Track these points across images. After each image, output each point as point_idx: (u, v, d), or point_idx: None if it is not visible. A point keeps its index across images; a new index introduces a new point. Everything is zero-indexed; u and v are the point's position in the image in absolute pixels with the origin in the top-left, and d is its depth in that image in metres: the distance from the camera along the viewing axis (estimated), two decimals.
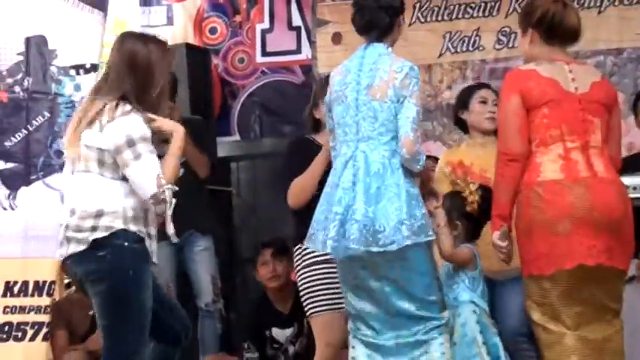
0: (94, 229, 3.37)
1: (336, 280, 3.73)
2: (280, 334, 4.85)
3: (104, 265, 3.37)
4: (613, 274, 3.31)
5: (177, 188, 3.41)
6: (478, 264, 3.59)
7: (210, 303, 5.04)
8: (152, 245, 3.47)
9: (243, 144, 6.38)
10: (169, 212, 3.40)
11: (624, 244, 3.32)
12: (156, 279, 3.62)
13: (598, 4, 5.57)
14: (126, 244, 3.37)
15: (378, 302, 3.42)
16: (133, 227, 3.39)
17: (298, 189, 3.90)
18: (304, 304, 3.94)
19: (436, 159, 4.96)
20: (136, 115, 3.40)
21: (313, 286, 3.89)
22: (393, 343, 3.41)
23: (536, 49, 3.45)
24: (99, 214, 3.38)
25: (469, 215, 3.61)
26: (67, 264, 3.51)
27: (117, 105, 3.40)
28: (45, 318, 4.57)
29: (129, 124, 3.38)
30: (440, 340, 3.39)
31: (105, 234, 3.36)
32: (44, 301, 4.58)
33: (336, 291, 3.78)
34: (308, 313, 3.95)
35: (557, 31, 3.43)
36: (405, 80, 3.37)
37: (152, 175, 3.36)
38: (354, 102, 3.41)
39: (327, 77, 3.67)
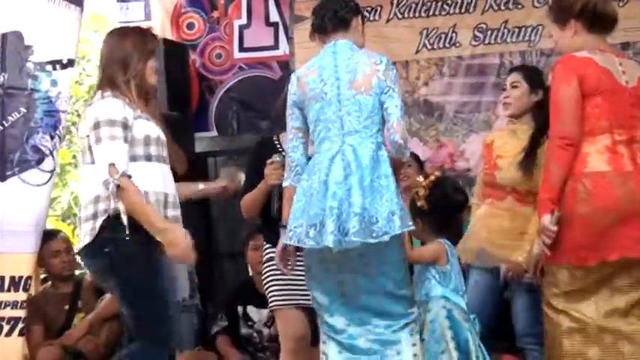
0: (94, 216, 3.43)
1: (294, 276, 3.79)
2: (255, 312, 4.88)
3: (111, 261, 3.42)
4: None
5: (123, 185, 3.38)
6: (450, 258, 3.60)
7: (187, 298, 5.04)
8: None
9: (220, 139, 6.37)
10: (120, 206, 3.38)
11: None
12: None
13: None
14: (129, 237, 3.39)
15: (346, 297, 3.44)
16: None
17: (247, 205, 4.08)
18: (267, 299, 3.99)
19: (415, 155, 4.99)
20: (112, 99, 3.46)
21: (272, 281, 3.95)
22: (362, 341, 3.42)
23: (580, 39, 3.45)
24: (96, 200, 3.43)
25: (421, 210, 3.64)
26: (81, 257, 3.59)
27: (97, 92, 3.50)
28: (21, 313, 4.56)
29: (101, 106, 3.45)
30: (412, 340, 3.41)
31: (104, 217, 3.39)
32: (20, 296, 4.56)
33: (294, 286, 3.84)
34: (270, 308, 4.00)
35: (600, 19, 3.44)
36: (387, 72, 3.43)
37: (105, 161, 3.37)
38: (336, 97, 3.44)
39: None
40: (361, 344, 3.43)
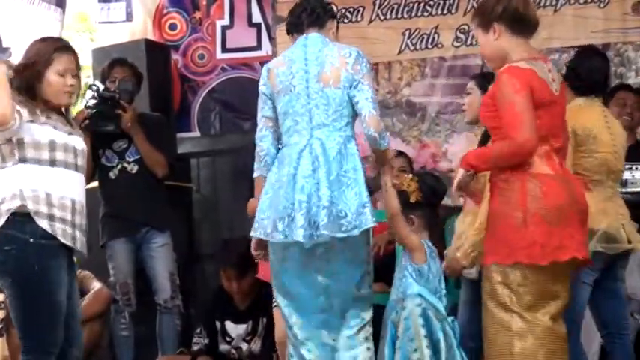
0: None
1: None
2: (233, 328, 4.83)
3: (9, 259, 3.46)
4: (578, 267, 3.40)
5: None
6: (429, 259, 3.59)
7: (169, 299, 5.04)
8: (59, 228, 3.51)
9: (203, 140, 6.37)
10: None
11: (587, 239, 3.42)
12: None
13: (553, 3, 5.66)
14: (32, 240, 3.46)
15: (304, 298, 3.44)
16: (31, 206, 3.47)
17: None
18: None
19: (401, 153, 4.99)
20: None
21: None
22: (316, 345, 3.43)
23: (503, 42, 3.41)
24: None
25: (418, 205, 3.64)
26: None
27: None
28: (0, 314, 4.54)
29: None
30: (367, 344, 3.44)
31: (6, 217, 3.46)
32: None
33: None
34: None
35: (522, 22, 3.42)
36: (355, 65, 3.43)
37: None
38: (305, 90, 3.44)
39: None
40: (315, 349, 3.43)
